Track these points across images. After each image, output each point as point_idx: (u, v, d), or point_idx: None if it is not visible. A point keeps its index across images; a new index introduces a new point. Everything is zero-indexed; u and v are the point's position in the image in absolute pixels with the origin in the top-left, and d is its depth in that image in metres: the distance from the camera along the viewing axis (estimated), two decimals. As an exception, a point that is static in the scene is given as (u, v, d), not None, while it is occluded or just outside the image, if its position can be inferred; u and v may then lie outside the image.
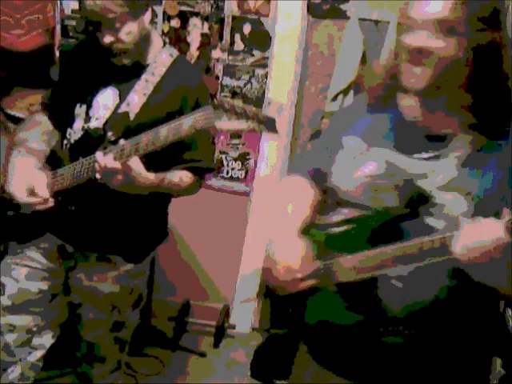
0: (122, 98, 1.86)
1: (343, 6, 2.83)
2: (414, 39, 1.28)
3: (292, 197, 1.62)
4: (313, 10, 2.87)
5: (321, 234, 1.52)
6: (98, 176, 1.69)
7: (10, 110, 2.84)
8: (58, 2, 2.83)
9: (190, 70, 2.05)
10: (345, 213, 1.48)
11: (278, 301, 1.60)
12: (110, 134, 1.82)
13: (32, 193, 1.78)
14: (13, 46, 2.79)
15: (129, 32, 1.77)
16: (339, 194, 1.49)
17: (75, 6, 2.81)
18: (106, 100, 1.88)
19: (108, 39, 1.76)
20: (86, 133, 1.87)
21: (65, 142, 1.92)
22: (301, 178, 1.63)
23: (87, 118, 1.88)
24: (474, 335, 1.40)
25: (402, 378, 1.40)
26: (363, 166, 1.43)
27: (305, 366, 1.57)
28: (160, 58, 1.89)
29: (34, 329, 1.97)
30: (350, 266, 1.40)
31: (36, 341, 1.99)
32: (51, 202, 1.79)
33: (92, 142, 1.81)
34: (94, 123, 1.87)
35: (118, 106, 1.86)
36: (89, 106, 1.88)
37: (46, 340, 2.02)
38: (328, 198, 1.56)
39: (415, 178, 1.36)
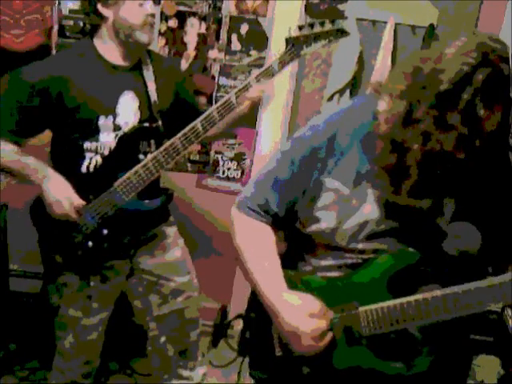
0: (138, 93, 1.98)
1: (341, 6, 2.85)
2: None
3: (258, 249, 1.43)
4: (311, 10, 2.89)
5: (317, 280, 1.39)
6: None
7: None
8: (56, 2, 2.82)
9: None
10: (342, 257, 1.36)
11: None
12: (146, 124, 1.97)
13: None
14: (10, 46, 2.78)
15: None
16: (326, 238, 1.35)
17: (72, 6, 2.82)
18: (127, 104, 1.97)
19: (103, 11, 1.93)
20: (121, 139, 1.95)
21: (91, 158, 1.96)
22: (253, 220, 1.43)
23: (116, 127, 1.96)
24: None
25: None
26: (358, 211, 1.30)
27: None
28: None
29: None
30: (375, 317, 1.29)
31: None
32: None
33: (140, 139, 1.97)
34: (125, 127, 1.97)
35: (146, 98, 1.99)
36: (115, 116, 1.95)
37: None
38: (314, 240, 1.40)
39: (426, 216, 1.25)
